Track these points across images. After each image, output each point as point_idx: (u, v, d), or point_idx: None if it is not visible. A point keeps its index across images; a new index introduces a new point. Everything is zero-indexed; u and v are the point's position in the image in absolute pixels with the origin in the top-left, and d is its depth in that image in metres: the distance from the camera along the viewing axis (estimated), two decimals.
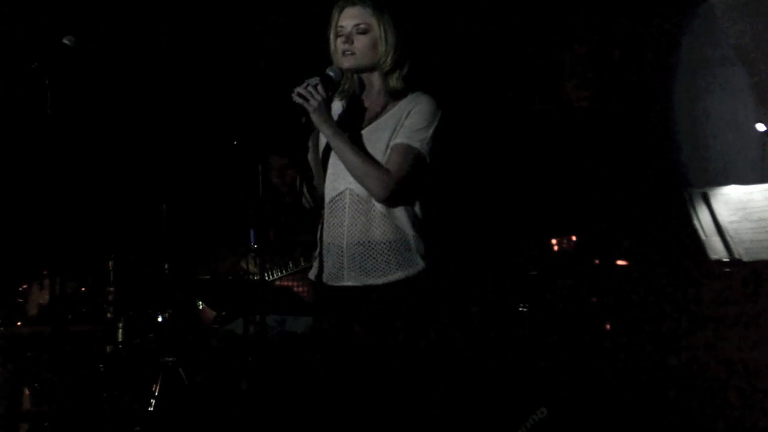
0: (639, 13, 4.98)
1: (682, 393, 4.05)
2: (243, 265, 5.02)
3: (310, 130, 3.17)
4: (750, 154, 4.63)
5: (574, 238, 4.64)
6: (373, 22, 3.11)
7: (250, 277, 4.83)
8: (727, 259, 3.92)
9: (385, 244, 3.10)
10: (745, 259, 3.88)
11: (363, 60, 3.14)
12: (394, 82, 3.17)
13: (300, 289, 4.85)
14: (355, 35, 3.12)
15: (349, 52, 3.12)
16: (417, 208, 3.16)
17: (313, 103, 3.04)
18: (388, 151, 3.11)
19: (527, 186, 4.98)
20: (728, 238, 3.93)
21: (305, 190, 3.25)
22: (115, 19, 5.44)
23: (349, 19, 3.12)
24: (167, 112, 5.64)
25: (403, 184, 3.08)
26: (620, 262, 4.49)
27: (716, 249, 3.94)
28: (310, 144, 3.22)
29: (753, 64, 4.64)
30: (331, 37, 3.17)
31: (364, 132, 3.17)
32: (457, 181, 4.75)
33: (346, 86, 3.22)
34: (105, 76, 5.49)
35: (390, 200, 3.09)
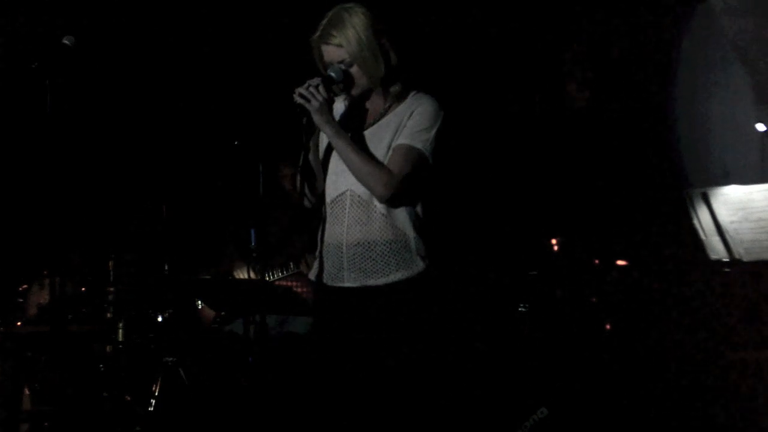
0: (639, 13, 4.98)
1: (682, 393, 4.05)
2: (240, 274, 5.03)
3: (312, 131, 3.17)
4: (750, 154, 4.63)
5: (573, 238, 4.64)
6: (353, 53, 3.10)
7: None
8: (727, 259, 3.93)
9: (384, 244, 3.10)
10: (745, 259, 3.89)
11: (360, 88, 3.15)
12: (394, 88, 3.17)
13: (300, 289, 4.85)
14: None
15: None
16: (418, 209, 3.16)
17: (315, 103, 3.04)
18: (390, 151, 3.11)
19: (527, 186, 4.99)
20: (728, 238, 3.93)
21: (306, 190, 3.24)
22: (115, 19, 5.44)
23: (328, 56, 3.12)
24: (167, 112, 5.64)
25: (405, 185, 3.08)
26: (620, 262, 4.50)
27: (716, 249, 3.94)
28: (311, 145, 3.22)
29: (753, 64, 4.65)
30: (321, 69, 3.17)
31: (366, 132, 3.17)
32: (458, 181, 4.75)
33: (348, 87, 3.22)
34: (105, 76, 5.49)
35: (392, 201, 3.09)
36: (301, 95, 3.05)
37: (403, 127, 3.11)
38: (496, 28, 5.24)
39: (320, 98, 3.04)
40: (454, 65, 5.18)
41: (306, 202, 3.29)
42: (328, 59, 3.12)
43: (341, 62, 3.10)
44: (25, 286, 4.97)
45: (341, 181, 3.15)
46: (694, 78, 4.88)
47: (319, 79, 3.07)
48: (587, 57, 5.03)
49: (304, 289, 4.83)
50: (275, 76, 5.20)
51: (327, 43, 3.10)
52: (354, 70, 3.11)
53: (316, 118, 3.05)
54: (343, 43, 3.08)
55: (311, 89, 3.04)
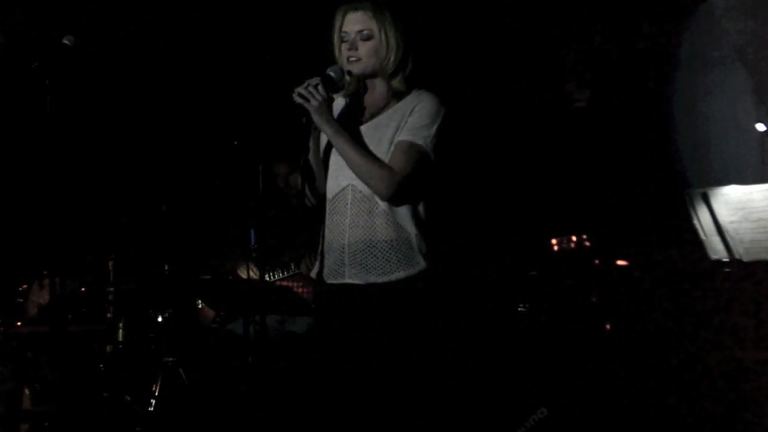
0: (639, 13, 4.98)
1: (682, 393, 4.05)
2: (242, 273, 5.03)
3: (311, 130, 3.17)
4: (750, 155, 4.63)
5: (574, 238, 4.64)
6: (375, 27, 3.11)
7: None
8: (727, 259, 3.92)
9: (387, 242, 3.10)
10: (745, 259, 3.88)
11: (368, 66, 3.14)
12: (397, 83, 3.17)
13: (300, 289, 4.85)
14: (359, 41, 3.12)
15: (354, 59, 3.13)
16: (420, 207, 3.15)
17: (314, 103, 3.04)
18: (392, 148, 3.11)
19: (527, 186, 4.99)
20: (728, 238, 3.92)
21: (307, 190, 3.25)
22: (115, 19, 5.44)
23: (351, 25, 3.13)
24: (167, 112, 5.65)
25: (407, 182, 3.08)
26: (620, 262, 4.50)
27: (716, 249, 3.94)
28: (311, 145, 3.22)
29: (753, 64, 4.64)
30: (336, 41, 3.18)
31: (363, 128, 3.16)
32: (458, 180, 4.75)
33: (350, 87, 3.22)
34: (105, 76, 5.49)
35: (394, 198, 3.09)
36: (301, 95, 3.05)
37: (405, 123, 3.11)
38: (496, 28, 5.24)
39: (319, 98, 3.04)
40: (455, 65, 5.18)
41: (307, 202, 3.29)
42: (349, 27, 3.12)
43: (361, 31, 3.10)
44: (25, 286, 4.97)
45: (342, 177, 3.15)
46: (694, 78, 4.88)
47: (319, 78, 3.07)
48: (587, 57, 5.03)
49: (305, 289, 4.83)
50: (275, 76, 5.21)
51: (356, 10, 3.11)
52: (369, 45, 3.11)
53: (316, 118, 3.06)
54: (372, 15, 3.10)
55: (310, 89, 3.05)
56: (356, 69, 3.14)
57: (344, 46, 3.14)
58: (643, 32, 5.01)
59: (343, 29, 3.14)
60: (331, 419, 3.16)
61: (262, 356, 4.21)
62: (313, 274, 3.26)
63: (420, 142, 3.09)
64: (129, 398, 4.62)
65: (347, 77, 3.16)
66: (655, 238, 4.47)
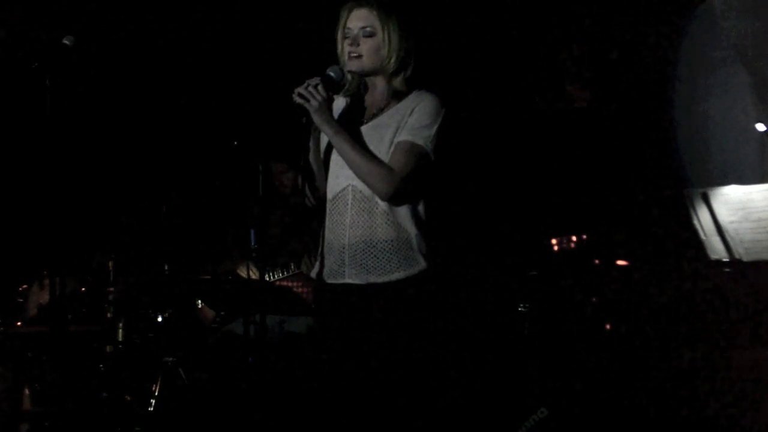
0: (639, 13, 4.98)
1: (682, 393, 4.05)
2: (242, 273, 5.03)
3: (311, 130, 3.18)
4: (750, 154, 4.63)
5: (574, 238, 4.64)
6: (378, 25, 3.12)
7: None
8: (727, 259, 3.93)
9: (387, 243, 3.10)
10: (745, 259, 3.89)
11: (368, 63, 3.15)
12: (397, 83, 3.18)
13: (300, 289, 4.85)
14: (361, 38, 3.13)
15: (355, 55, 3.14)
16: (420, 207, 3.16)
17: (314, 103, 3.04)
18: (392, 148, 3.11)
19: (527, 186, 4.99)
20: (728, 238, 3.93)
21: (307, 190, 3.25)
22: (115, 19, 5.44)
23: (356, 21, 3.14)
24: (167, 112, 5.64)
25: (408, 182, 3.08)
26: (620, 262, 4.50)
27: (716, 249, 3.94)
28: (311, 145, 3.23)
29: (753, 64, 4.64)
30: (339, 38, 3.19)
31: (363, 128, 3.17)
32: (458, 180, 4.75)
33: (350, 87, 3.22)
34: (105, 76, 5.49)
35: (394, 198, 3.09)
36: (301, 95, 3.05)
37: (405, 123, 3.12)
38: (496, 28, 5.25)
39: (319, 98, 3.05)
40: (455, 65, 5.18)
41: (307, 202, 3.29)
42: (353, 24, 3.14)
43: (364, 28, 3.12)
44: (25, 286, 4.97)
45: (342, 177, 3.16)
46: (694, 78, 4.88)
47: (319, 78, 3.08)
48: (587, 57, 5.03)
49: (305, 290, 4.83)
50: (275, 76, 5.21)
51: (361, 7, 3.13)
52: (371, 42, 3.12)
53: (316, 118, 3.06)
54: (377, 13, 3.12)
55: (310, 89, 3.05)
56: (356, 66, 3.14)
57: (346, 42, 3.15)
58: (643, 32, 5.01)
59: (347, 25, 3.15)
60: (331, 419, 3.16)
61: (262, 356, 4.21)
62: (313, 274, 3.26)
63: (420, 142, 3.10)
64: (129, 398, 4.61)
65: (347, 77, 3.16)
66: (655, 238, 4.47)
